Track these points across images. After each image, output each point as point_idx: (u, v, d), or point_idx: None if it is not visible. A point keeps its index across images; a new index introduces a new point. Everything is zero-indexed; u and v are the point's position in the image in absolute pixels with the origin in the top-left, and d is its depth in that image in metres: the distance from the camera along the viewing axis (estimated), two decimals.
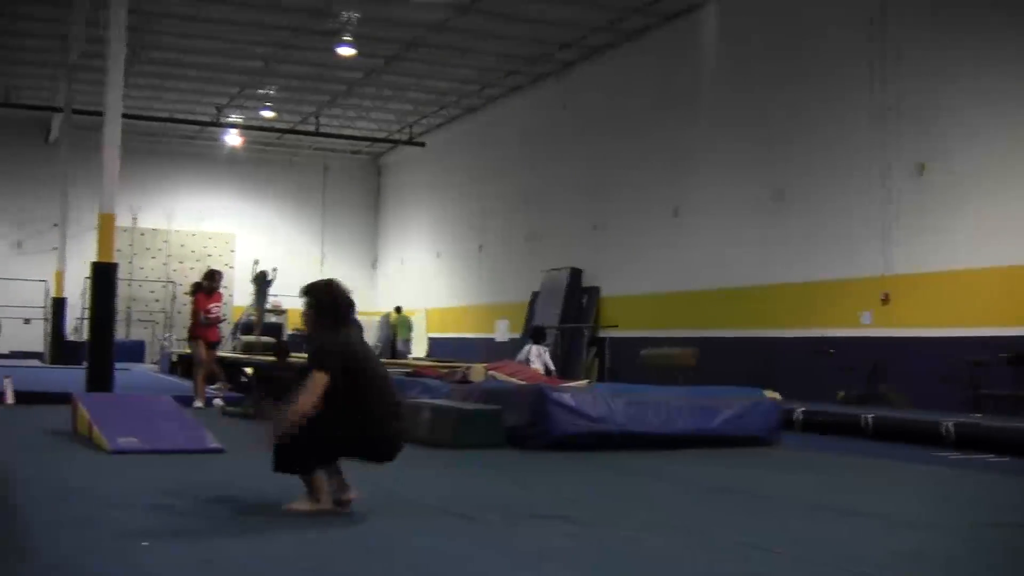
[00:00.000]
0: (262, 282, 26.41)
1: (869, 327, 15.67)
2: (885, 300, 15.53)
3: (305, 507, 5.75)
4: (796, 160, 17.35)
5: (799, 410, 13.28)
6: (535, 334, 17.80)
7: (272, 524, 5.52)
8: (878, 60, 15.91)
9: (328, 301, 5.90)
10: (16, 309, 28.97)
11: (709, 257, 19.17)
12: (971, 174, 14.55)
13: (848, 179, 16.37)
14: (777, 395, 11.48)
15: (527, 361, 16.30)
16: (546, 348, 17.62)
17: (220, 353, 15.96)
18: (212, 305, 14.44)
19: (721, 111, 19.19)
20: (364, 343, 6.04)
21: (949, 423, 11.52)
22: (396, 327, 30.55)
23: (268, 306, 27.43)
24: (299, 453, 5.61)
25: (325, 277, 6.18)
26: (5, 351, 25.85)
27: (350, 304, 5.93)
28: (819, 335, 16.04)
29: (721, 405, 10.74)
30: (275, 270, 26.64)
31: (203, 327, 14.38)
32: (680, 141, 20.30)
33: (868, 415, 12.44)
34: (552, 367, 16.63)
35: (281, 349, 14.36)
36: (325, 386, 5.58)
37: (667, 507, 6.57)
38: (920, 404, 14.01)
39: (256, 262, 27.90)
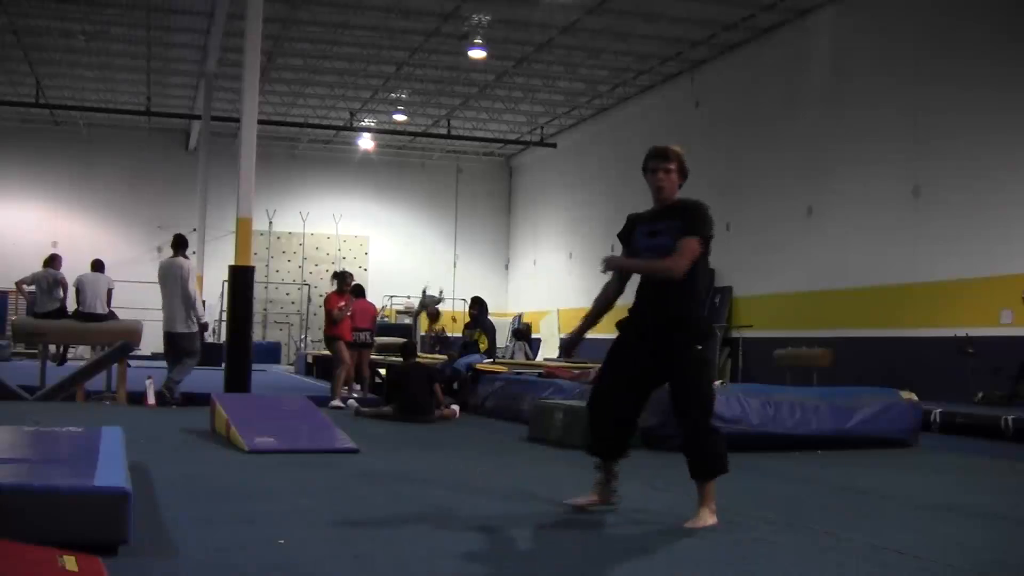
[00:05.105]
0: (429, 304, 24.70)
1: (1009, 326, 15.32)
2: None
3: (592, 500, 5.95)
4: (934, 156, 17.02)
5: (936, 411, 13.06)
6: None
7: (404, 521, 5.64)
8: None
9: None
10: (157, 312, 29.47)
11: (844, 256, 18.91)
12: None
13: (987, 175, 16.03)
14: (913, 396, 11.31)
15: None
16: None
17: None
18: (343, 304, 14.76)
19: (857, 108, 18.89)
20: None
21: None
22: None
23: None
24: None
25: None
26: (147, 353, 26.47)
27: None
28: (957, 334, 15.70)
29: (856, 406, 10.63)
30: (441, 291, 26.55)
31: (340, 327, 14.67)
32: (814, 139, 20.05)
33: (1008, 416, 12.17)
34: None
35: (408, 349, 14.36)
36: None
37: (799, 508, 6.56)
38: None
39: (427, 285, 26.08)
